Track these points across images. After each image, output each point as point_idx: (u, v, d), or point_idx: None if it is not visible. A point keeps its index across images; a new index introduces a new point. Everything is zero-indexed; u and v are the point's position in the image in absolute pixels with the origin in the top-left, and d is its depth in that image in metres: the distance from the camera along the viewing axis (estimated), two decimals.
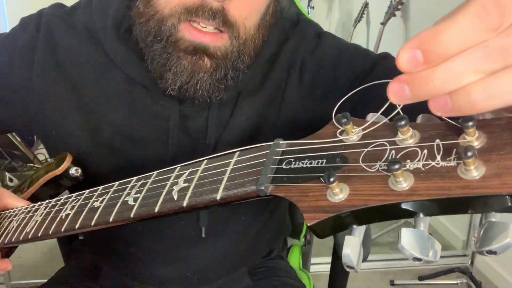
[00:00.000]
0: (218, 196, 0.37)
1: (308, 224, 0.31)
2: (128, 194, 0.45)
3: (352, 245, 0.30)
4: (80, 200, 0.50)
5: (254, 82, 0.64)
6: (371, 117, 0.33)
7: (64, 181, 0.64)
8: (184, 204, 0.39)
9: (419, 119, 0.32)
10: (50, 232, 0.51)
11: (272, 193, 0.35)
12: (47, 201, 0.56)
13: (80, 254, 0.85)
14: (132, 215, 0.43)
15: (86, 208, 0.48)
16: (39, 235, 0.52)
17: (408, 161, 0.30)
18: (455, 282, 1.85)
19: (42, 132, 0.67)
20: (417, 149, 0.30)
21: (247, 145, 0.52)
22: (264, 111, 0.64)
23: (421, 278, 1.85)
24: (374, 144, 0.32)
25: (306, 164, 0.34)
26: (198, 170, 0.41)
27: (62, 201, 0.53)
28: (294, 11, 0.72)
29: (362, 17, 3.03)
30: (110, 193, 0.47)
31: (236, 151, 0.40)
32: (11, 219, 0.59)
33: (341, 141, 0.33)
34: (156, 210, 0.41)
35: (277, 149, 0.37)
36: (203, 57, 0.53)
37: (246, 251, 0.77)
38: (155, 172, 0.45)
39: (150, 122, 0.62)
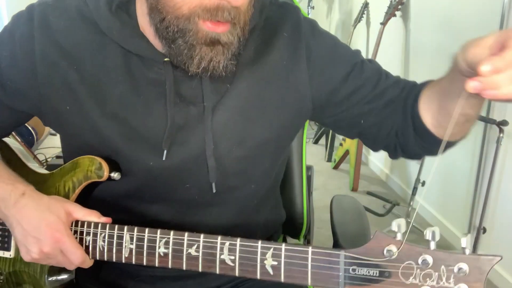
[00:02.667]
0: (309, 283, 0.56)
1: None
2: (222, 253, 0.60)
3: None
4: (172, 244, 0.62)
5: (249, 53, 0.71)
6: (395, 224, 0.51)
7: (99, 182, 0.71)
8: (282, 280, 0.57)
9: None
10: (145, 263, 0.64)
11: None
12: (128, 227, 0.65)
13: None
14: (237, 274, 0.59)
15: (184, 254, 0.62)
16: (134, 262, 0.65)
17: (428, 279, 0.50)
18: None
19: (55, 113, 0.70)
20: (432, 271, 0.50)
21: (249, 111, 0.70)
22: (265, 84, 0.71)
23: None
24: (406, 263, 0.51)
25: (365, 272, 0.53)
26: (281, 254, 0.57)
27: (148, 234, 0.64)
28: None
29: (362, 17, 3.03)
30: (201, 245, 0.61)
31: (309, 248, 0.56)
32: (93, 238, 0.67)
33: (385, 257, 0.52)
34: (258, 277, 0.58)
35: (341, 259, 0.54)
36: (218, 45, 0.63)
37: (245, 226, 0.79)
38: (238, 240, 0.59)
39: (148, 88, 0.68)
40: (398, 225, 0.51)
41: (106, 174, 0.68)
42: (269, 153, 0.74)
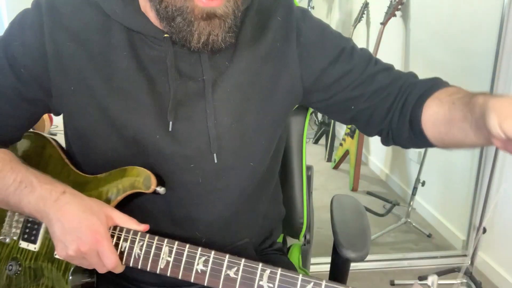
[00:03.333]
0: None
1: None
2: (261, 279, 0.60)
3: None
4: (211, 263, 0.64)
5: (246, 33, 0.75)
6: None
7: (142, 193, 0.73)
8: None
9: None
10: (180, 277, 0.65)
11: None
12: (166, 240, 0.67)
13: None
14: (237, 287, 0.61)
15: (222, 275, 0.62)
16: (168, 274, 0.66)
17: None
18: (455, 282, 1.85)
19: (62, 95, 0.73)
20: None
21: (247, 88, 0.74)
22: (261, 63, 0.76)
23: (421, 278, 1.85)
24: None
25: None
26: (276, 278, 0.59)
27: (189, 250, 0.65)
28: None
29: (362, 17, 3.03)
30: (241, 269, 0.62)
31: (323, 282, 0.57)
32: (131, 244, 0.68)
33: None
34: None
35: None
36: (214, 19, 0.66)
37: (246, 214, 0.81)
38: (279, 270, 0.60)
39: (150, 65, 0.72)
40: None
41: (153, 187, 0.70)
42: (265, 131, 0.77)
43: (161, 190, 0.71)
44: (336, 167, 3.08)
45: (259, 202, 0.84)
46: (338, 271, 0.92)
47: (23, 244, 0.76)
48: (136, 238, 0.68)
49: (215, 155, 0.73)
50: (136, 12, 0.72)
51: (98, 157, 0.75)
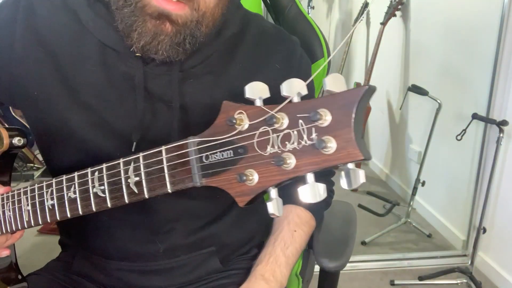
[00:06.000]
0: (170, 190, 0.48)
1: (241, 205, 0.44)
2: (93, 186, 0.54)
3: (275, 205, 0.42)
4: (55, 192, 0.58)
5: (221, 60, 0.71)
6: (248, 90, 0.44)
7: (13, 152, 0.70)
8: (146, 196, 0.50)
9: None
10: (40, 222, 0.60)
11: (206, 185, 0.46)
12: (23, 190, 0.62)
13: (64, 247, 0.88)
14: (109, 205, 0.53)
15: (66, 200, 0.56)
16: (33, 224, 0.62)
17: (287, 142, 0.40)
18: (455, 282, 1.85)
19: (24, 95, 0.71)
20: (290, 131, 0.40)
21: (212, 115, 0.64)
22: (234, 89, 0.71)
23: (421, 278, 1.85)
24: (261, 130, 0.42)
25: (219, 157, 0.44)
26: (140, 165, 0.50)
27: (38, 191, 0.60)
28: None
29: (362, 17, 3.03)
30: (76, 184, 0.56)
31: (162, 149, 0.49)
32: (2, 210, 0.65)
33: (236, 129, 0.43)
34: (127, 201, 0.52)
35: (194, 147, 0.46)
36: (165, 22, 0.60)
37: (212, 224, 0.77)
38: (104, 165, 0.54)
39: (120, 81, 0.68)
40: (252, 90, 0.44)
41: (6, 141, 0.65)
42: None
43: (16, 140, 0.67)
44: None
45: (228, 212, 0.80)
46: (327, 274, 0.90)
47: None
48: (3, 202, 0.65)
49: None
50: (109, 26, 0.67)
51: (56, 162, 0.74)
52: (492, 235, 1.92)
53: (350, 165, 0.37)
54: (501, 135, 1.74)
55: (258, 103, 0.43)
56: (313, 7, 3.64)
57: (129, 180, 0.51)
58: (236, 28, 0.73)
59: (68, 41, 0.69)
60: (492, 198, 1.92)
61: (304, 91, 0.40)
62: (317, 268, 0.91)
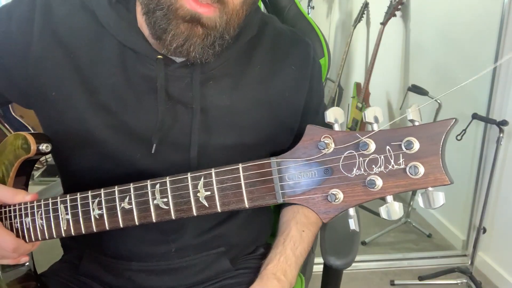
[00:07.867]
0: (247, 206, 0.51)
1: (325, 221, 0.47)
2: (154, 198, 0.55)
3: (356, 222, 0.47)
4: (104, 202, 0.58)
5: (239, 62, 0.72)
6: (331, 114, 0.46)
7: (35, 158, 0.68)
8: (219, 210, 0.52)
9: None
10: (83, 231, 0.60)
11: (288, 202, 0.49)
12: (60, 198, 0.61)
13: (68, 249, 0.87)
14: (173, 217, 0.55)
15: (118, 210, 0.57)
16: (73, 233, 0.61)
17: (373, 166, 0.44)
18: (455, 282, 1.85)
19: (41, 96, 0.70)
20: (376, 155, 0.43)
21: (240, 130, 0.71)
22: (262, 110, 0.73)
23: (421, 278, 1.85)
24: (346, 153, 0.45)
25: (303, 177, 0.47)
26: (212, 181, 0.52)
27: (80, 201, 0.60)
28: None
29: (362, 17, 3.03)
30: (132, 196, 0.57)
31: (239, 166, 0.51)
32: (31, 218, 0.64)
33: (321, 153, 0.46)
34: (195, 214, 0.53)
35: (276, 167, 0.49)
36: (197, 25, 0.61)
37: (222, 225, 0.78)
38: (168, 178, 0.55)
39: (140, 83, 0.68)
40: (335, 116, 0.46)
41: (33, 147, 0.64)
42: (251, 158, 0.75)
43: (43, 147, 0.65)
44: None
45: (237, 214, 0.80)
46: (330, 274, 0.90)
47: None
48: (34, 211, 0.64)
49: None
50: (131, 27, 0.67)
51: (72, 163, 0.73)
52: (492, 235, 1.92)
53: (431, 188, 0.42)
54: (501, 135, 1.74)
55: (337, 127, 0.46)
56: (313, 7, 3.63)
57: (198, 194, 0.53)
58: (254, 31, 0.74)
59: (87, 42, 0.68)
60: (492, 198, 1.92)
61: (342, 119, 0.46)
62: (319, 267, 0.91)
